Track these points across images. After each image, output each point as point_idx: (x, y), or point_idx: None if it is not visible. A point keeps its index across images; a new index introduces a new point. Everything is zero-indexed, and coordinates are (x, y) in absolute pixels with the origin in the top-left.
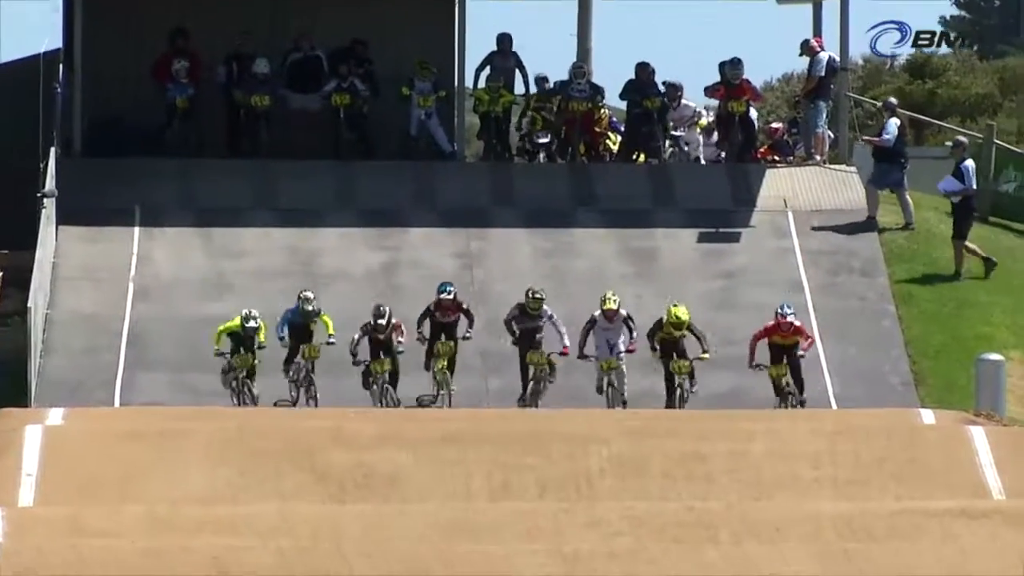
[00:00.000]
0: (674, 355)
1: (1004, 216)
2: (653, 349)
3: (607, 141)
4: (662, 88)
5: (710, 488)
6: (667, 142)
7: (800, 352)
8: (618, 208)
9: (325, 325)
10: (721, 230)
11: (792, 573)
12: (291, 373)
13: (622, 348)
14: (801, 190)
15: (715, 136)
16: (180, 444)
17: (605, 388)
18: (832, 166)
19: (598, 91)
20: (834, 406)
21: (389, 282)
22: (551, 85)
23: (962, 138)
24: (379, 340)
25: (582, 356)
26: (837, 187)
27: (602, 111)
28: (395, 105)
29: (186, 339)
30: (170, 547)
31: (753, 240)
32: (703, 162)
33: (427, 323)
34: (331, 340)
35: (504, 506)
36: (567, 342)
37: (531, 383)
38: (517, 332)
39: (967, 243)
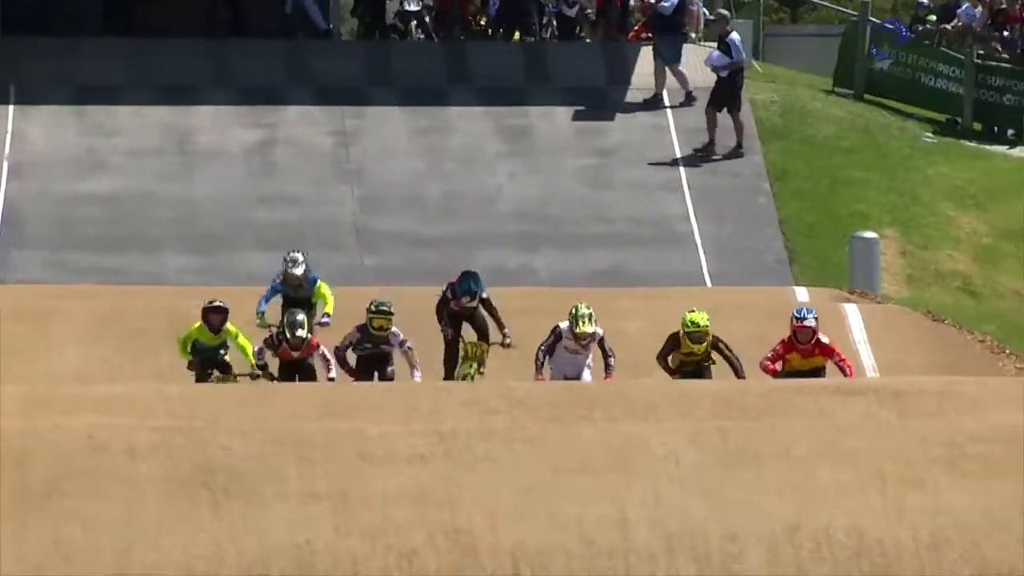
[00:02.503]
0: None
1: (878, 93)
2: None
3: (477, 19)
4: None
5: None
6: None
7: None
8: (493, 86)
9: (324, 301)
10: (596, 108)
11: (667, 451)
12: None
13: (588, 378)
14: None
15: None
16: (57, 322)
17: None
18: (706, 44)
19: None
20: (709, 284)
21: (265, 160)
22: None
23: (724, 12)
24: (291, 360)
25: (539, 379)
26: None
27: None
28: None
29: (61, 217)
30: (46, 425)
31: (628, 118)
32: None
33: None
34: (325, 320)
35: (381, 385)
36: (418, 377)
37: None
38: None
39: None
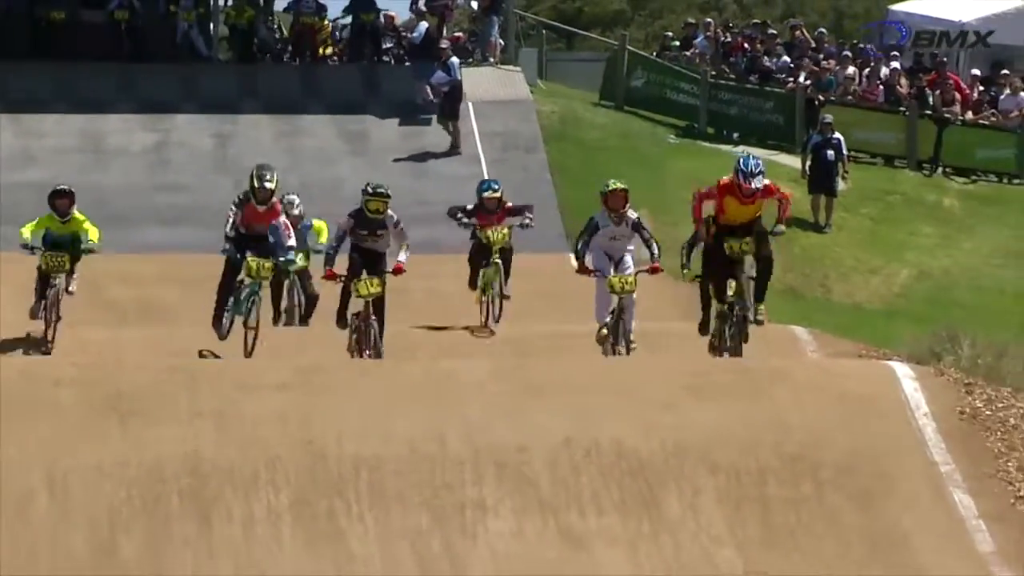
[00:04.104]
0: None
1: (635, 105)
2: (685, 267)
3: (325, 48)
4: None
5: (413, 317)
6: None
7: (777, 227)
8: (338, 101)
9: (317, 234)
10: (418, 116)
11: (474, 382)
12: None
13: (630, 264)
14: (479, 85)
15: None
16: (5, 281)
17: (609, 325)
18: (502, 67)
19: (323, 8)
20: None
21: (160, 157)
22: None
23: (445, 43)
24: (257, 217)
25: (583, 270)
26: (506, 83)
27: (325, 23)
28: (164, 19)
29: (6, 199)
30: None
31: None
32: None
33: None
34: (319, 248)
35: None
36: (405, 256)
37: (358, 326)
38: (352, 260)
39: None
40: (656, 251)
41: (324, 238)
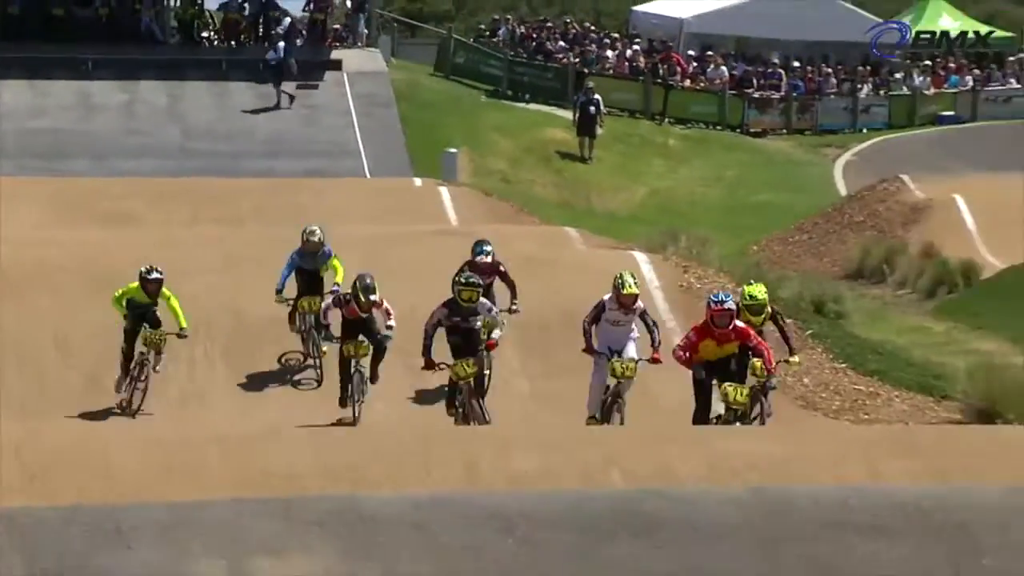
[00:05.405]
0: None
1: (458, 76)
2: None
3: (245, 35)
4: None
5: (302, 218)
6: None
7: (771, 380)
8: (255, 71)
9: (335, 271)
10: (310, 83)
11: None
12: (298, 324)
13: (633, 352)
14: (351, 61)
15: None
16: (21, 198)
17: (606, 407)
18: (367, 48)
19: (243, 6)
20: (368, 176)
21: (130, 111)
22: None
23: (288, 19)
24: (357, 318)
25: (590, 350)
26: (369, 60)
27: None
28: (132, 14)
29: (24, 140)
30: (20, 254)
31: (326, 88)
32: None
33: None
34: (335, 288)
35: (196, 230)
36: (497, 334)
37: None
38: (451, 343)
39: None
40: (658, 339)
41: (340, 277)
